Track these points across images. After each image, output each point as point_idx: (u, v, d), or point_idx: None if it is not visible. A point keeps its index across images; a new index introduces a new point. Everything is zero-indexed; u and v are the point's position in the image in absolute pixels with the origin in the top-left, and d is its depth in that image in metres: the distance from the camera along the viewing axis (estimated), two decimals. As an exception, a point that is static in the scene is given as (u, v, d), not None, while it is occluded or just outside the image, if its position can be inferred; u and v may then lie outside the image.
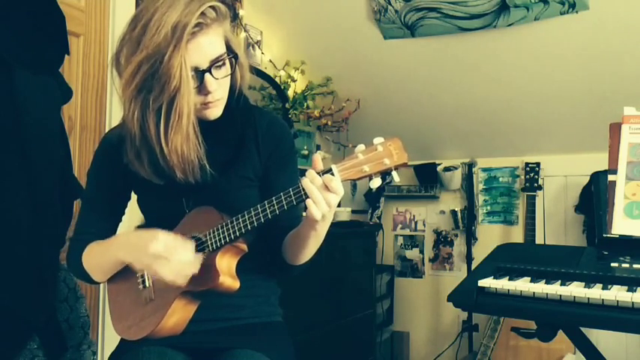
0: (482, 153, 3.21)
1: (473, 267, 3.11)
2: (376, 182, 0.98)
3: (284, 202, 1.01)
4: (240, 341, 1.14)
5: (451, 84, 2.87)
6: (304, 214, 1.06)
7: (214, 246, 1.07)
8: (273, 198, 1.02)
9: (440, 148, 3.28)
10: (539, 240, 2.91)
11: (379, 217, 3.38)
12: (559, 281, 1.26)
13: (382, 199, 3.41)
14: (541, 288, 1.22)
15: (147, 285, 1.15)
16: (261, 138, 1.20)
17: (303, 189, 0.98)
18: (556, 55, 2.54)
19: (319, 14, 2.78)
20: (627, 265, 1.32)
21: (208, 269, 1.07)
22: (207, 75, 1.06)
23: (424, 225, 3.41)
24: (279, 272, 1.24)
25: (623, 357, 2.79)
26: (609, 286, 1.19)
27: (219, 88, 1.09)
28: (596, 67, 2.51)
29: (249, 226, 1.04)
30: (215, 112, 1.12)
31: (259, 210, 1.03)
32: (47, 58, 1.49)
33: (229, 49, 1.11)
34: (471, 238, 3.19)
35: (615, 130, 1.40)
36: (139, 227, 1.22)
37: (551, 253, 1.61)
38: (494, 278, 1.33)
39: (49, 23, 1.49)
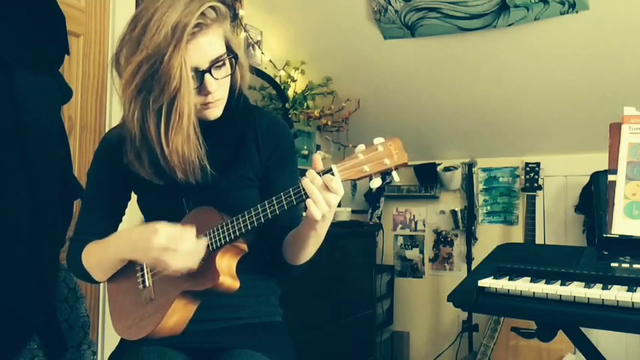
0: (483, 153, 3.21)
1: (473, 267, 3.11)
2: (376, 182, 0.98)
3: (284, 202, 1.01)
4: (240, 341, 1.14)
5: (451, 84, 2.87)
6: (304, 214, 1.06)
7: (214, 246, 1.07)
8: (273, 198, 1.02)
9: (440, 148, 3.28)
10: (539, 240, 2.91)
11: (379, 217, 3.38)
12: (559, 281, 1.26)
13: (382, 199, 3.41)
14: (541, 288, 1.22)
15: (147, 285, 1.15)
16: (262, 138, 1.20)
17: (303, 189, 0.98)
18: (556, 55, 2.54)
19: (319, 14, 2.78)
20: (627, 265, 1.32)
21: (208, 269, 1.07)
22: (207, 75, 1.06)
23: (424, 225, 3.41)
24: (279, 272, 1.24)
25: (623, 357, 2.79)
26: (609, 286, 1.19)
27: (219, 88, 1.09)
28: (596, 67, 2.51)
29: (249, 226, 1.04)
30: (215, 112, 1.12)
31: (259, 210, 1.03)
32: (47, 58, 1.49)
33: (229, 50, 1.11)
34: (471, 238, 3.19)
35: (615, 130, 1.40)
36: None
37: (551, 253, 1.61)
38: (494, 278, 1.33)
39: (49, 23, 1.49)
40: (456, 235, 3.30)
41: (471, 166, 3.22)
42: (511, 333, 2.72)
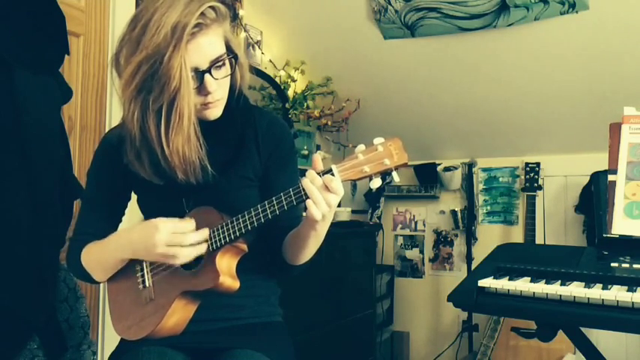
0: (482, 153, 3.21)
1: (473, 267, 3.11)
2: (376, 182, 0.98)
3: (284, 203, 1.01)
4: (240, 341, 1.14)
5: (451, 84, 2.87)
6: (304, 214, 1.06)
7: (214, 246, 1.07)
8: (273, 198, 1.02)
9: (440, 148, 3.28)
10: (539, 240, 2.91)
11: (379, 217, 3.38)
12: (559, 281, 1.26)
13: (382, 199, 3.41)
14: (541, 288, 1.22)
15: (147, 285, 1.15)
16: (261, 138, 1.20)
17: (303, 189, 0.98)
18: (556, 55, 2.54)
19: (319, 14, 2.78)
20: (627, 265, 1.32)
21: (208, 269, 1.07)
22: (207, 75, 1.06)
23: (424, 225, 3.41)
24: (279, 272, 1.24)
25: (623, 357, 2.79)
26: (609, 286, 1.19)
27: (219, 88, 1.09)
28: (596, 67, 2.51)
29: (249, 227, 1.04)
30: (215, 112, 1.12)
31: (259, 210, 1.03)
32: (47, 58, 1.49)
33: (229, 50, 1.11)
34: (471, 238, 3.19)
35: (615, 130, 1.40)
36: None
37: (551, 253, 1.61)
38: (494, 278, 1.33)
39: (49, 23, 1.49)
40: (456, 235, 3.30)
41: (470, 166, 3.22)
42: (511, 333, 2.72)
